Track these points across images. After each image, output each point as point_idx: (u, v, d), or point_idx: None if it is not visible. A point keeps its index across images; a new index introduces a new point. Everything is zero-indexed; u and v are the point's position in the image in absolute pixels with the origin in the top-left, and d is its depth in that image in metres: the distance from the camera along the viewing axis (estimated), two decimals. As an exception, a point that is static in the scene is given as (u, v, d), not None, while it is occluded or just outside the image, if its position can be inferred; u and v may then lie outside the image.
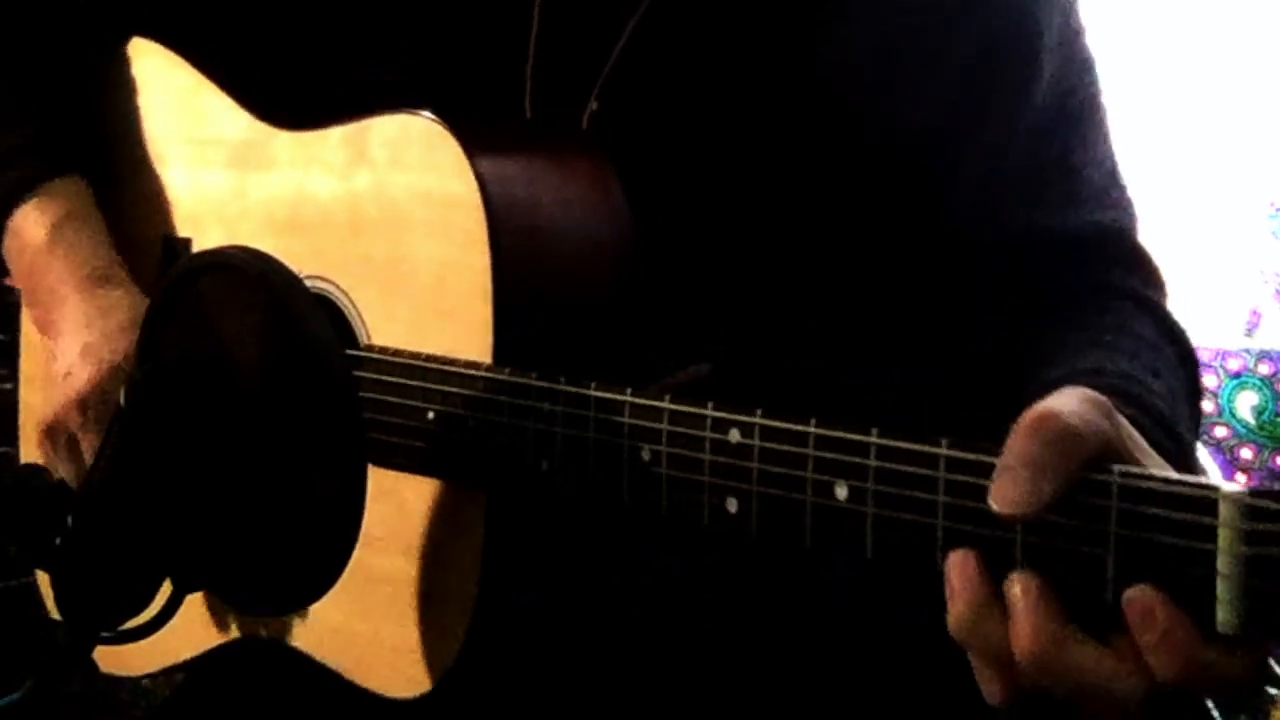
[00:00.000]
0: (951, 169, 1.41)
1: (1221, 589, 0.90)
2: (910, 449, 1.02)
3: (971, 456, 0.99)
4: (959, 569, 0.99)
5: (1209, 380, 2.32)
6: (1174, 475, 0.93)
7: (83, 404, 1.47)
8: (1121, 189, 1.47)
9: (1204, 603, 0.91)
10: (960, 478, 1.00)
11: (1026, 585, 0.97)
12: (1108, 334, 1.32)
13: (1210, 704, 2.36)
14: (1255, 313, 2.32)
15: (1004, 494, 0.96)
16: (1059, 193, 1.43)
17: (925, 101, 1.40)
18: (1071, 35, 1.46)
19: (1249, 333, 2.33)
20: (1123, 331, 1.33)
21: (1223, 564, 0.90)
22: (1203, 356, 2.35)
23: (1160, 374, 1.28)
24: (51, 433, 1.50)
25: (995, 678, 1.00)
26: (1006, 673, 0.99)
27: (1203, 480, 0.92)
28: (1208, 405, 2.32)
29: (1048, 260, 1.41)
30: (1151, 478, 0.93)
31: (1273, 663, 2.35)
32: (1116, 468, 0.95)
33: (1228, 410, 2.32)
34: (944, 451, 1.00)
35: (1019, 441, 0.97)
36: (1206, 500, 0.90)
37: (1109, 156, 1.46)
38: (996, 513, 0.96)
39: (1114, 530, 0.94)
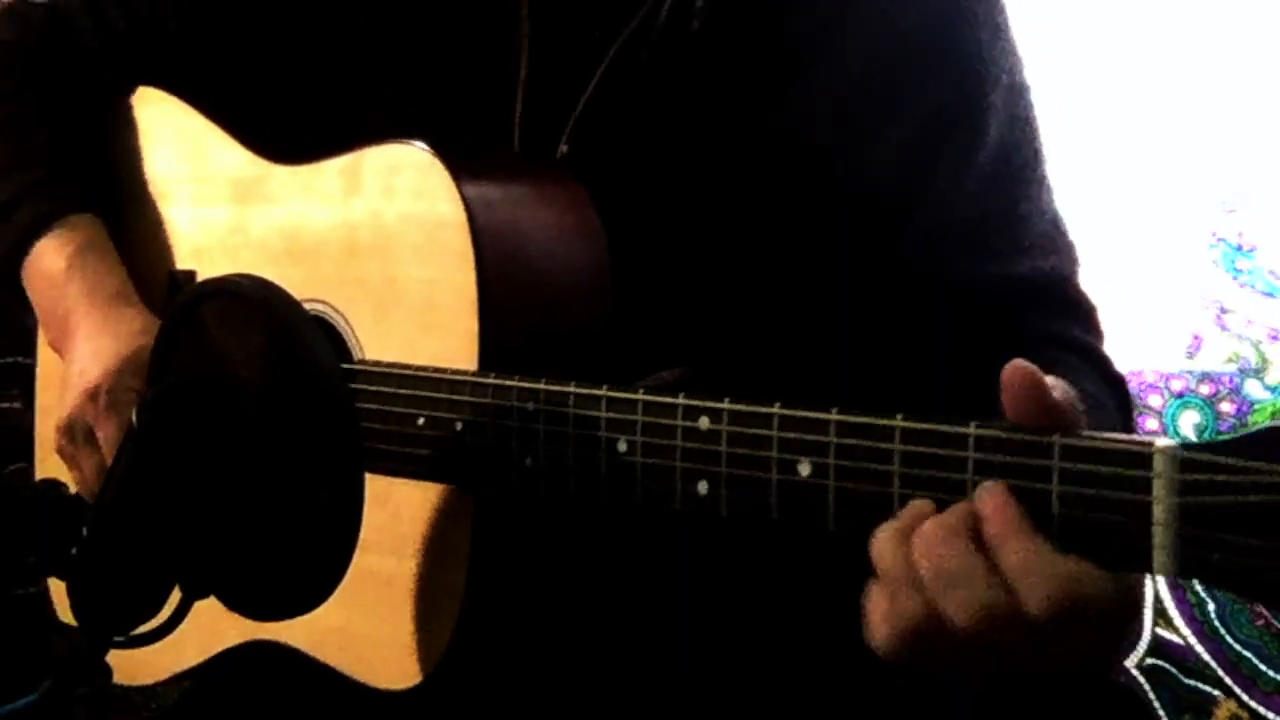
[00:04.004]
0: (903, 217, 1.42)
1: (1158, 536, 0.91)
2: (867, 423, 1.03)
3: (925, 426, 1.01)
4: (916, 506, 1.01)
5: (1154, 400, 2.33)
6: (1111, 434, 0.94)
7: (95, 393, 1.47)
8: (1063, 235, 1.47)
9: (1142, 549, 0.92)
10: (914, 448, 1.01)
11: (959, 504, 1.00)
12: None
13: (1155, 701, 2.36)
14: (1196, 337, 2.34)
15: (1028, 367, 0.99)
16: (1004, 241, 1.43)
17: (878, 157, 1.41)
18: (1017, 93, 1.46)
19: (1191, 355, 2.34)
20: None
21: (1158, 513, 0.91)
22: (1147, 378, 2.39)
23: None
24: (69, 429, 1.50)
25: (884, 600, 1.02)
26: (897, 594, 1.01)
27: (1138, 437, 0.93)
28: (1153, 423, 2.33)
29: (994, 306, 1.42)
30: (1090, 437, 0.95)
31: (1214, 664, 2.35)
32: (1056, 431, 0.96)
33: (1172, 428, 2.33)
34: (899, 423, 1.01)
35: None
36: (1142, 455, 0.92)
37: (1050, 206, 1.47)
38: (1014, 367, 0.98)
39: (1056, 488, 0.95)
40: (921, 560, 0.99)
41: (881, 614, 1.02)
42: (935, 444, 1.00)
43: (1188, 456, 0.90)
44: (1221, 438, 2.28)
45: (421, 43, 1.49)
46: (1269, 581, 0.87)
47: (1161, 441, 0.91)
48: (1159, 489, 0.90)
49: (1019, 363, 0.98)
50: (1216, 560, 0.89)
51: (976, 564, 0.97)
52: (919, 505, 1.01)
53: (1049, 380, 0.99)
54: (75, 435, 1.50)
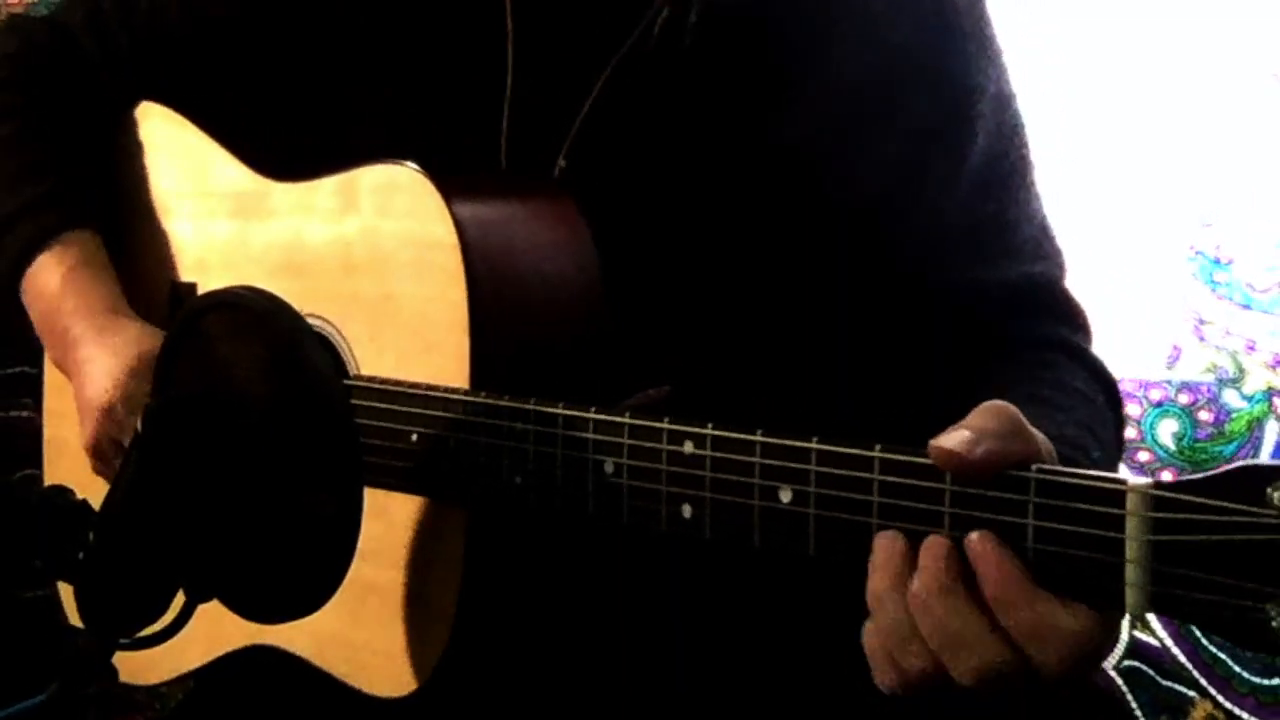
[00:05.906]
0: (895, 227, 1.41)
1: (1130, 574, 0.90)
2: (847, 453, 1.02)
3: (903, 458, 0.99)
4: (885, 546, 1.00)
5: (1133, 409, 2.32)
6: (1086, 471, 0.93)
7: (112, 409, 1.46)
8: (1051, 240, 1.46)
9: (1114, 586, 0.90)
10: (893, 479, 1.00)
11: (937, 541, 0.98)
12: (1045, 389, 1.32)
13: (1132, 702, 2.36)
14: (1175, 347, 2.33)
15: (942, 441, 0.97)
16: (993, 248, 1.42)
17: (870, 168, 1.39)
18: (1003, 102, 1.45)
19: (1170, 365, 2.33)
20: (1059, 387, 1.33)
21: (1131, 551, 0.90)
22: (1127, 387, 2.37)
23: (1093, 429, 1.28)
24: (97, 449, 1.49)
25: (887, 653, 1.01)
26: (902, 648, 1.00)
27: (1111, 474, 0.92)
28: (1131, 432, 2.32)
29: (985, 310, 1.41)
30: (1066, 473, 0.93)
31: (1190, 665, 2.34)
32: (1034, 465, 0.95)
33: (1150, 436, 2.32)
34: (878, 454, 1.00)
35: (973, 414, 0.98)
36: (1115, 492, 0.90)
37: (1039, 212, 1.46)
38: (930, 449, 0.97)
39: (1032, 523, 0.94)
40: (922, 618, 0.98)
41: (885, 661, 1.02)
42: (913, 475, 0.98)
43: (1160, 495, 0.89)
44: (1200, 445, 2.28)
45: (414, 56, 1.47)
46: (1238, 620, 0.85)
47: (1135, 480, 0.90)
48: (1132, 527, 0.89)
49: (932, 449, 0.98)
50: (1187, 598, 0.87)
51: (979, 625, 0.97)
52: (893, 543, 1.00)
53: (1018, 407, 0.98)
54: (105, 453, 1.48)
